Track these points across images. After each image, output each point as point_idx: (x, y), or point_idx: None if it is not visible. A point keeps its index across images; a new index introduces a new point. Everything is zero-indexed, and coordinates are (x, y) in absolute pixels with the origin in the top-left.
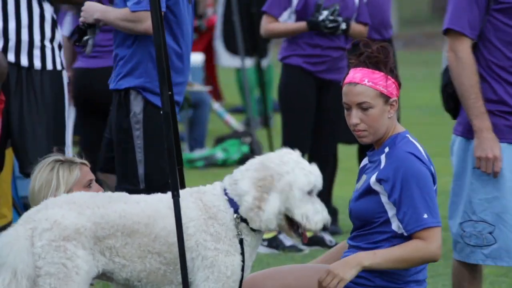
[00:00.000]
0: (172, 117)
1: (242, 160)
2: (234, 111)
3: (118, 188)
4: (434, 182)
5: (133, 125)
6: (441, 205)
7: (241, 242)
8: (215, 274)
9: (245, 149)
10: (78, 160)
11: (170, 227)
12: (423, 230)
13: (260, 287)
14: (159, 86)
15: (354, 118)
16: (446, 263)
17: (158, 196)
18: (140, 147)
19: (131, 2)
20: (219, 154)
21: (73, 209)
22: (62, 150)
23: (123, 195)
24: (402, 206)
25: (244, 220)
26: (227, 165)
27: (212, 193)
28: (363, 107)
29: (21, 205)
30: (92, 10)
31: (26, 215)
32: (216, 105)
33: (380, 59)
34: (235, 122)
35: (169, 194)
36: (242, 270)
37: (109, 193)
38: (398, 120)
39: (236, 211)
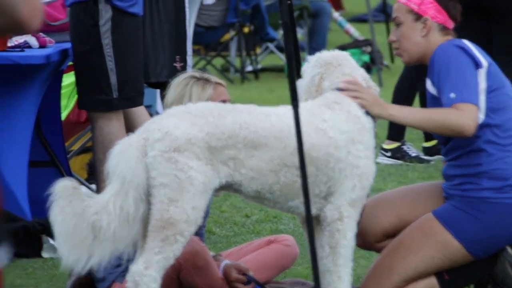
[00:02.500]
0: (291, 26)
1: None
2: (355, 20)
3: (90, 101)
4: (478, 67)
5: (102, 34)
6: None
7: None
8: (363, 182)
9: (366, 58)
10: (214, 79)
11: (312, 140)
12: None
13: (372, 215)
14: None
15: (392, 34)
16: None
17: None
18: (110, 56)
19: None
20: None
21: (187, 118)
22: (184, 59)
23: (250, 107)
24: (440, 92)
25: None
26: None
27: (353, 103)
28: (397, 23)
29: None
30: None
31: (145, 124)
32: (336, 14)
33: None
34: (355, 31)
35: (305, 105)
36: None
37: (237, 105)
38: None
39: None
